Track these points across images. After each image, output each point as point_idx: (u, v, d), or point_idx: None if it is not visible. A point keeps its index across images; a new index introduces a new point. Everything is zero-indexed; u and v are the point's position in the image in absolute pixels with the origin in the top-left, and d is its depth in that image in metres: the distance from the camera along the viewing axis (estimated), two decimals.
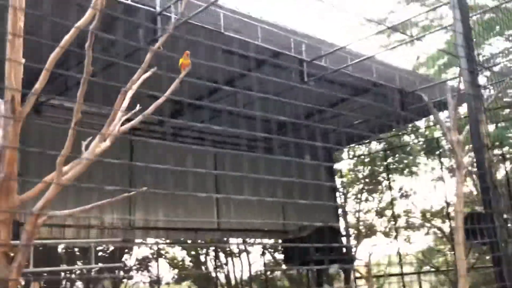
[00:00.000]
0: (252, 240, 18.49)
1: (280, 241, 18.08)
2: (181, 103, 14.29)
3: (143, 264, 20.70)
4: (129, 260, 20.43)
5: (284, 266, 22.59)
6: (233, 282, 21.45)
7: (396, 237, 19.71)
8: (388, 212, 21.72)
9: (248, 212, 16.89)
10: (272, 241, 19.15)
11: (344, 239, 19.90)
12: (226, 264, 21.80)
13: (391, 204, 20.55)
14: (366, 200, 24.43)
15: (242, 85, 11.08)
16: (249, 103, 13.59)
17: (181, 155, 15.36)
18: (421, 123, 20.01)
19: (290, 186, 17.90)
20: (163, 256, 21.69)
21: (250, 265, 20.81)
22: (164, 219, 15.02)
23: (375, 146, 22.71)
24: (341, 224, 20.63)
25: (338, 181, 23.07)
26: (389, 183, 20.71)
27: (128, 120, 6.08)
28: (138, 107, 5.60)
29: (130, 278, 19.96)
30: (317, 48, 11.26)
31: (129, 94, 5.97)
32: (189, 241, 18.44)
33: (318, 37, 11.44)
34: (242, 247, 20.98)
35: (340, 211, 20.95)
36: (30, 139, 12.05)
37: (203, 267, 20.32)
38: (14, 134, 3.66)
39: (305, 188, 18.74)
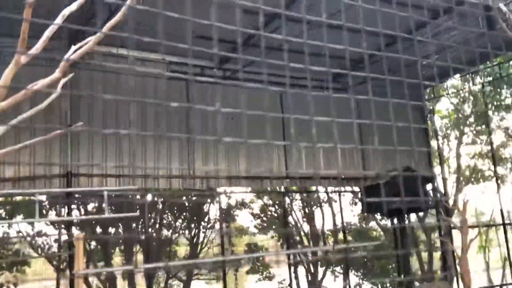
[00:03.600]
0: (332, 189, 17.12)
1: (358, 189, 16.57)
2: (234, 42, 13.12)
3: (226, 213, 20.35)
4: (211, 209, 20.17)
5: (378, 216, 21.07)
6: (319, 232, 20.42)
7: (498, 184, 17.23)
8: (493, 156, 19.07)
9: (320, 158, 15.50)
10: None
11: (436, 187, 17.85)
12: (311, 214, 20.77)
13: (491, 146, 17.99)
14: (473, 142, 21.82)
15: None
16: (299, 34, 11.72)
17: (240, 97, 14.27)
18: None
19: (370, 129, 16.15)
20: (247, 206, 21.16)
21: (334, 215, 19.56)
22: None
23: (479, 80, 19.84)
24: (435, 170, 18.53)
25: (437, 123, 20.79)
26: (488, 121, 18.09)
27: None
28: None
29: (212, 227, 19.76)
30: None
31: None
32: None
33: None
34: (324, 196, 19.75)
35: (434, 155, 18.79)
36: None
37: (286, 218, 19.44)
38: None
39: (389, 131, 16.88)
